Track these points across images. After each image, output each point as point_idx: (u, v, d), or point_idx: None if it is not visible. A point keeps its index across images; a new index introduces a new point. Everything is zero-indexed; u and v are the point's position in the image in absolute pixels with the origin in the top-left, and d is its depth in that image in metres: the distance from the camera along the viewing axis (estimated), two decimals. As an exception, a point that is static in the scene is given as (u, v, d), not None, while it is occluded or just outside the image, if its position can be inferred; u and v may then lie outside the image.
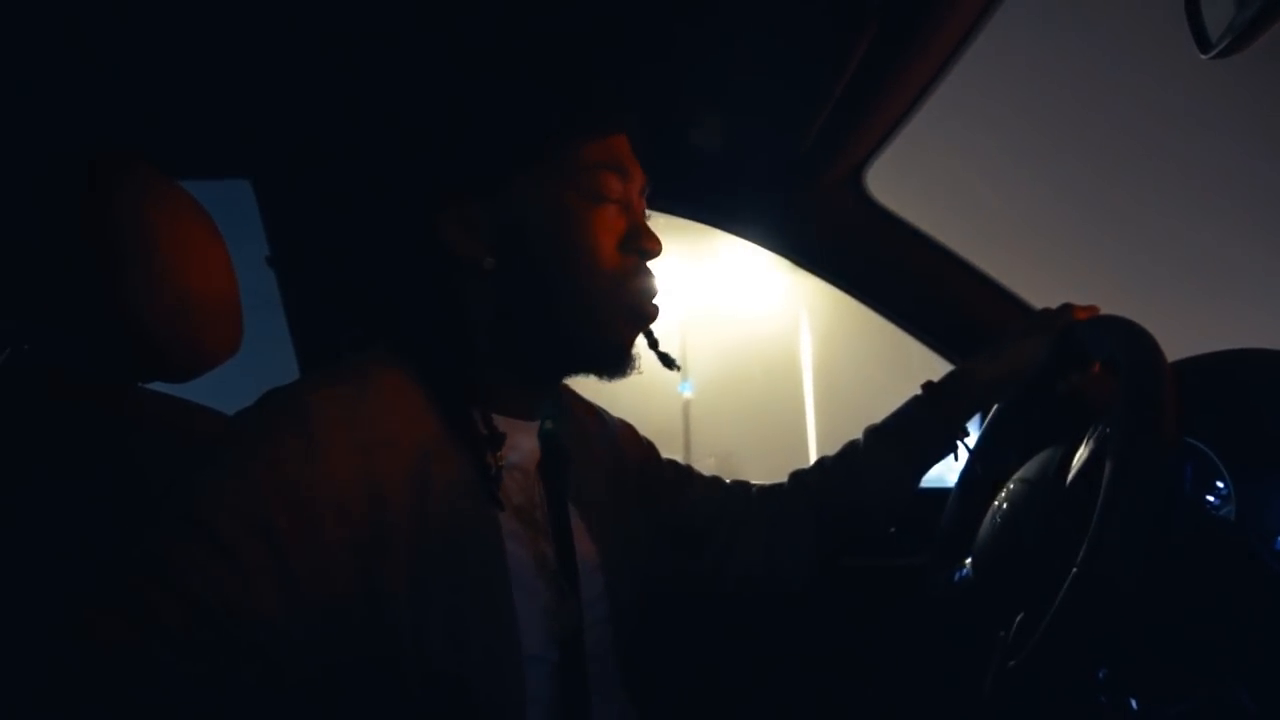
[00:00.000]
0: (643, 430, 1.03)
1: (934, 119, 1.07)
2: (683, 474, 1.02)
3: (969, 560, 0.90)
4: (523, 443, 0.78)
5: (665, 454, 1.04)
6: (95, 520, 0.71)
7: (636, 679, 0.83)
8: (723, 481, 1.03)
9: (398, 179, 0.83)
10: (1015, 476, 0.91)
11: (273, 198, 1.20)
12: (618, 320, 0.76)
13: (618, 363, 0.77)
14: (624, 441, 0.99)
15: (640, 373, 0.81)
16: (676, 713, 1.22)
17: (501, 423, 0.75)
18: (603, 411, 1.00)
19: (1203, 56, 0.62)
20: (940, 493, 1.33)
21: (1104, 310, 0.92)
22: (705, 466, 1.05)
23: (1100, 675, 0.76)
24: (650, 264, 0.78)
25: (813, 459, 1.05)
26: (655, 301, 0.78)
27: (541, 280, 0.74)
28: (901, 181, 1.35)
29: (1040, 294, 1.33)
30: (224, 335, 0.91)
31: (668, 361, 0.86)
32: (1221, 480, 0.92)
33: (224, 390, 0.96)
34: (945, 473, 1.47)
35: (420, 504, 0.66)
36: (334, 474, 0.62)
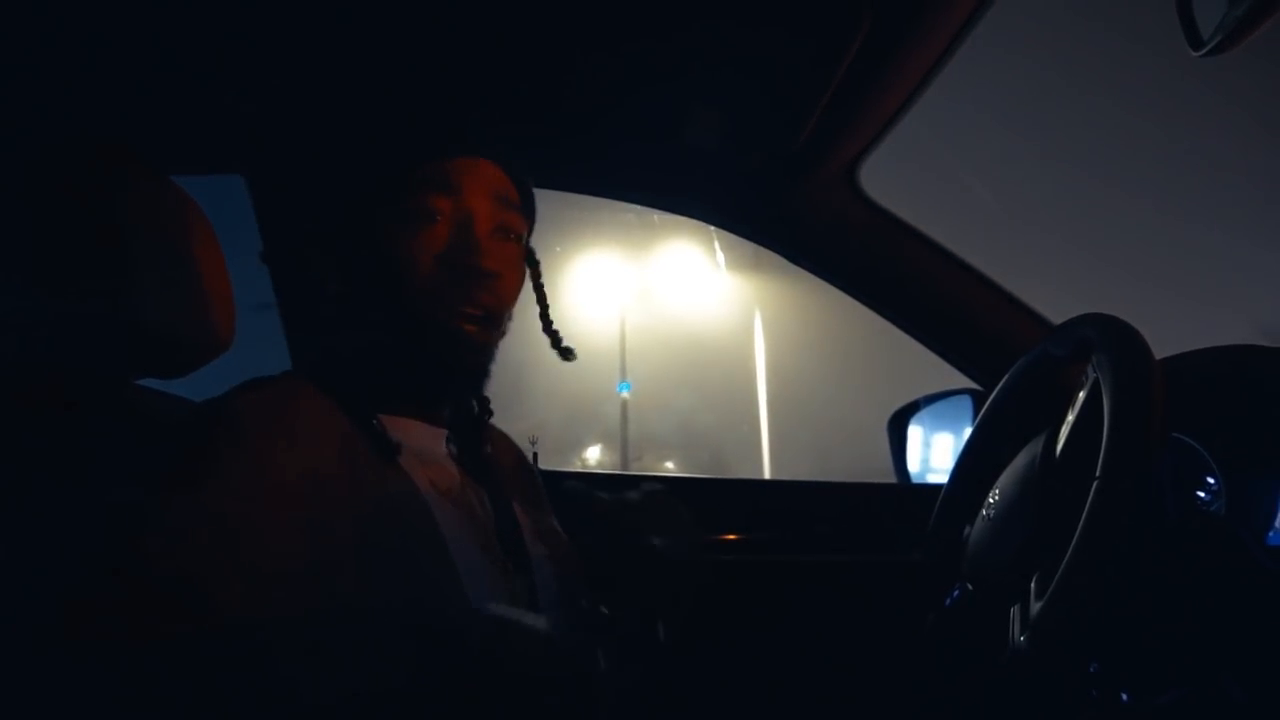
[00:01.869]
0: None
1: (928, 115, 1.07)
2: None
3: (965, 572, 0.90)
4: (435, 444, 0.83)
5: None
6: (88, 517, 0.71)
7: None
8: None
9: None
10: (1002, 476, 0.91)
11: (266, 194, 1.20)
12: (427, 332, 0.78)
13: (446, 373, 0.81)
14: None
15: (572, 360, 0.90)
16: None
17: (403, 424, 0.80)
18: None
19: (1194, 54, 0.62)
20: (932, 489, 1.34)
21: (1092, 308, 0.92)
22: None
23: (1092, 669, 0.76)
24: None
25: (766, 458, 1.05)
26: (476, 314, 0.80)
27: (365, 299, 0.80)
28: (895, 177, 1.35)
29: (1030, 288, 1.34)
30: (217, 331, 0.91)
31: (565, 353, 0.95)
32: (1212, 476, 0.93)
33: (217, 386, 0.96)
34: (937, 470, 1.49)
35: (353, 489, 0.71)
36: (266, 464, 0.66)
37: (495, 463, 0.93)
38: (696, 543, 0.90)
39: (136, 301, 0.81)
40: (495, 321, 0.83)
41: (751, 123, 1.13)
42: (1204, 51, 0.61)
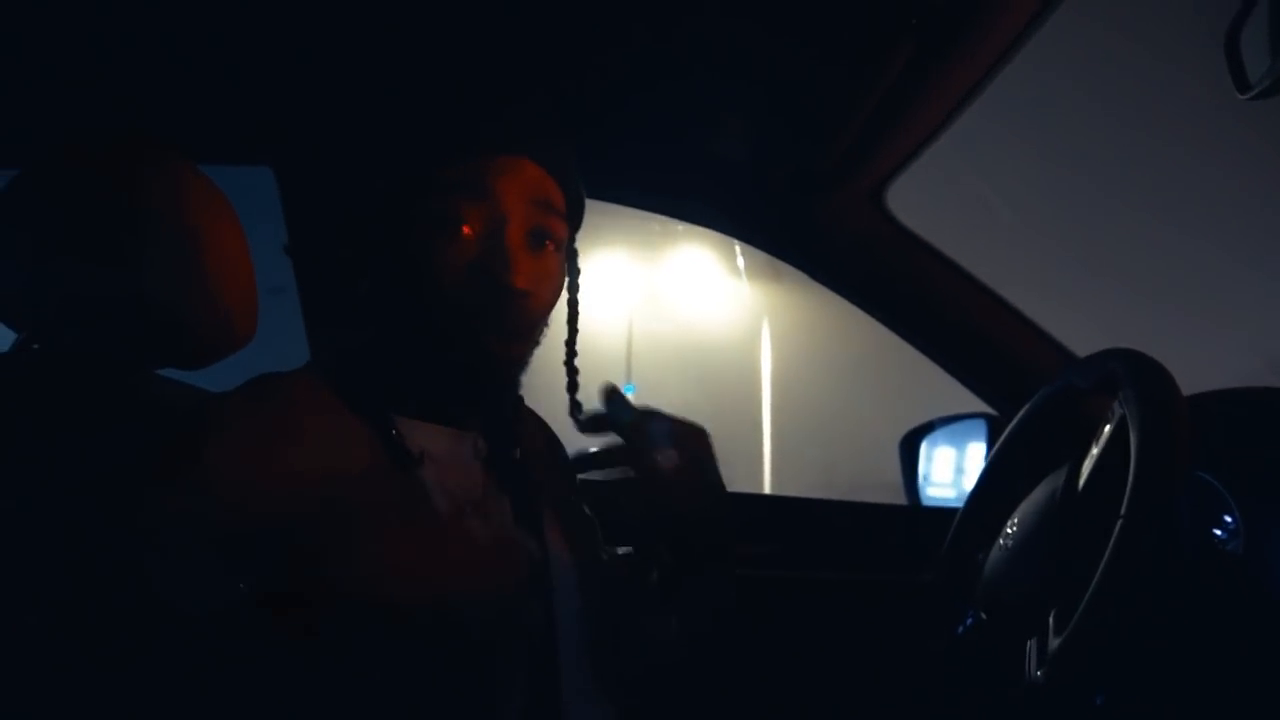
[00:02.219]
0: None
1: (961, 139, 1.07)
2: None
3: (979, 599, 0.90)
4: (450, 448, 0.78)
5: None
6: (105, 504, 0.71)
7: (614, 680, 0.83)
8: None
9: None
10: (1022, 506, 0.91)
11: (293, 186, 1.20)
12: (451, 345, 0.74)
13: (472, 385, 0.76)
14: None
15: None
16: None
17: (427, 430, 0.76)
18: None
19: (1240, 97, 0.62)
20: (941, 512, 1.34)
21: (1119, 339, 0.92)
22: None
23: (1098, 702, 0.76)
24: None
25: (768, 466, 1.04)
26: (504, 331, 0.75)
27: (390, 303, 0.76)
28: (922, 197, 1.35)
29: (1055, 316, 1.33)
30: (239, 322, 0.91)
31: (574, 406, 0.85)
32: (1230, 514, 0.93)
33: (236, 378, 0.96)
34: (946, 492, 1.48)
35: (356, 494, 0.69)
36: (250, 463, 0.65)
37: (528, 456, 0.87)
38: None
39: (157, 288, 0.81)
40: (525, 336, 0.78)
41: (783, 137, 1.13)
42: (1251, 95, 0.61)
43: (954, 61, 0.90)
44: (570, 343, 0.87)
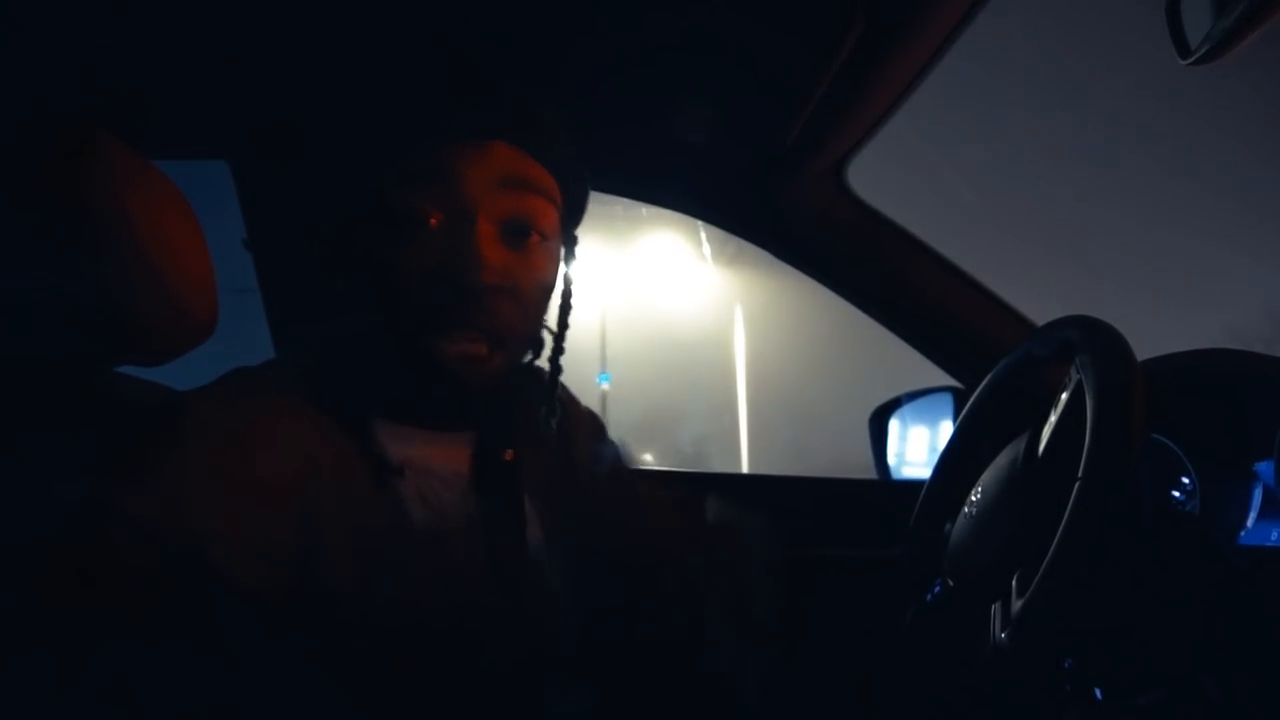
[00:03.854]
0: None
1: (917, 114, 1.08)
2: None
3: (946, 569, 0.91)
4: (434, 453, 0.75)
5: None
6: (68, 504, 0.70)
7: (599, 667, 0.84)
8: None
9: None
10: (984, 475, 0.92)
11: (250, 180, 1.19)
12: (420, 359, 0.68)
13: (442, 392, 0.70)
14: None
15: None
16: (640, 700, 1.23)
17: (405, 434, 0.72)
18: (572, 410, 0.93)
19: (1181, 63, 0.63)
20: (912, 485, 1.36)
21: (1072, 308, 0.93)
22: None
23: (1066, 665, 0.78)
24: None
25: (744, 452, 1.05)
26: (477, 338, 0.68)
27: (360, 304, 0.70)
28: (883, 175, 1.36)
29: (1014, 287, 1.35)
30: (199, 318, 0.89)
31: (550, 396, 0.83)
32: (1187, 476, 0.95)
33: (198, 375, 0.95)
34: (917, 466, 1.50)
35: (320, 499, 0.65)
36: (216, 464, 0.62)
37: (531, 458, 0.82)
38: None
39: (109, 283, 0.80)
40: (506, 342, 0.70)
41: (741, 117, 1.13)
42: (1191, 60, 0.62)
43: (906, 37, 0.91)
44: (557, 340, 0.80)
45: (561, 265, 0.76)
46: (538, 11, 0.95)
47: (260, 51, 1.01)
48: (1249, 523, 0.88)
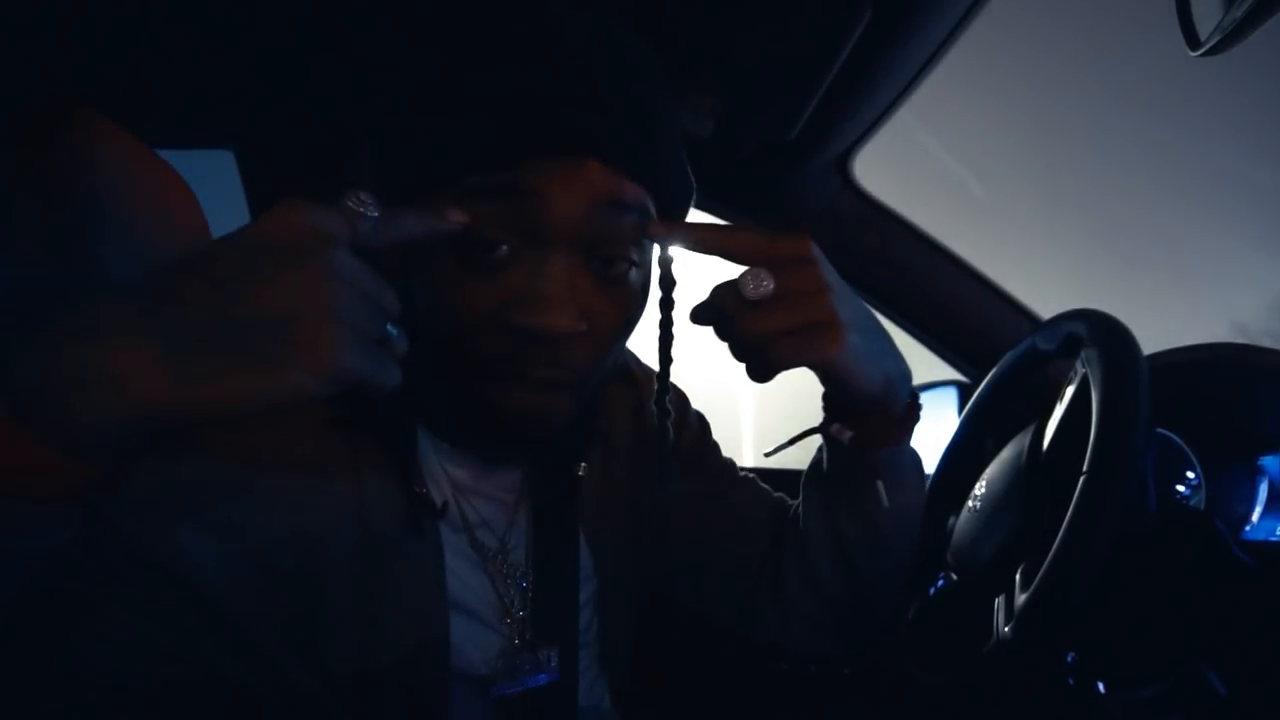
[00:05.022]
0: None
1: (922, 107, 1.08)
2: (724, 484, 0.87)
3: (949, 562, 0.91)
4: (485, 478, 0.70)
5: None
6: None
7: (625, 696, 0.83)
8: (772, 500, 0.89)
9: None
10: (989, 468, 0.92)
11: (256, 170, 1.18)
12: (478, 405, 0.58)
13: (500, 440, 0.62)
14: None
15: None
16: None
17: (453, 453, 0.67)
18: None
19: (1191, 54, 0.62)
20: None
21: (1081, 303, 0.93)
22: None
23: (1068, 658, 0.78)
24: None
25: (747, 445, 1.03)
26: (545, 384, 0.57)
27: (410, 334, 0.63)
28: (887, 167, 1.36)
29: (1018, 280, 1.35)
30: None
31: (663, 469, 0.71)
32: (1192, 470, 0.95)
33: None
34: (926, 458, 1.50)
35: (330, 525, 0.60)
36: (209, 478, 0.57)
37: (603, 485, 0.76)
38: None
39: (111, 273, 0.79)
40: (579, 389, 0.60)
41: (746, 107, 1.12)
42: (1201, 51, 0.62)
43: (913, 29, 0.90)
44: (663, 379, 0.66)
45: (655, 288, 0.63)
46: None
47: (268, 36, 1.00)
48: (1254, 517, 0.88)
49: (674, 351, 0.65)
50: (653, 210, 0.58)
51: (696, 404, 0.95)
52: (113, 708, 0.54)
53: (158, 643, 0.54)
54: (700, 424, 0.90)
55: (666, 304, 0.63)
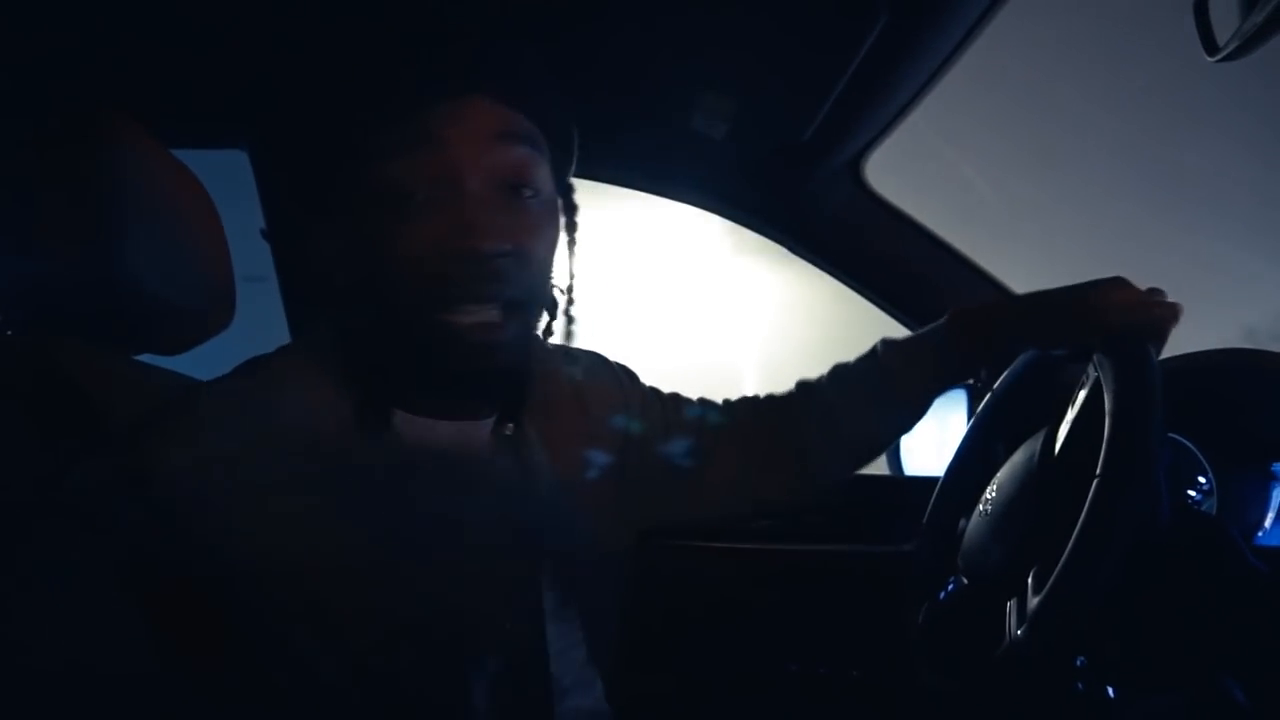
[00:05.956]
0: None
1: (935, 111, 1.08)
2: (668, 416, 0.93)
3: (960, 566, 0.91)
4: (454, 436, 0.74)
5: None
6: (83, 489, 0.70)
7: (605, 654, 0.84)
8: (715, 404, 0.98)
9: None
10: (1001, 472, 0.92)
11: (269, 170, 1.19)
12: (428, 339, 0.65)
13: (460, 373, 0.67)
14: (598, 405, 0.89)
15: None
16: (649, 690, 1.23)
17: (427, 425, 0.71)
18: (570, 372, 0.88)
19: (1209, 59, 0.62)
20: (923, 481, 1.35)
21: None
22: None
23: (1079, 663, 0.78)
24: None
25: None
26: (488, 308, 0.65)
27: (361, 293, 0.68)
28: (900, 169, 1.36)
29: (1031, 284, 1.34)
30: (217, 308, 0.90)
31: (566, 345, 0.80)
32: (1204, 475, 0.94)
33: (216, 364, 0.95)
34: (928, 462, 1.49)
35: (329, 485, 0.65)
36: (207, 466, 0.62)
37: (556, 434, 0.81)
38: None
39: (129, 270, 0.80)
40: (518, 308, 0.67)
41: (760, 110, 1.13)
42: (1220, 57, 0.62)
43: (928, 33, 0.90)
44: (566, 296, 0.76)
45: (561, 217, 0.72)
46: (560, 6, 0.95)
47: (280, 40, 1.01)
48: (1267, 523, 0.87)
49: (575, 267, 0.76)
50: (543, 140, 0.67)
51: (700, 388, 0.98)
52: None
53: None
54: (629, 374, 0.95)
55: (571, 226, 0.74)
